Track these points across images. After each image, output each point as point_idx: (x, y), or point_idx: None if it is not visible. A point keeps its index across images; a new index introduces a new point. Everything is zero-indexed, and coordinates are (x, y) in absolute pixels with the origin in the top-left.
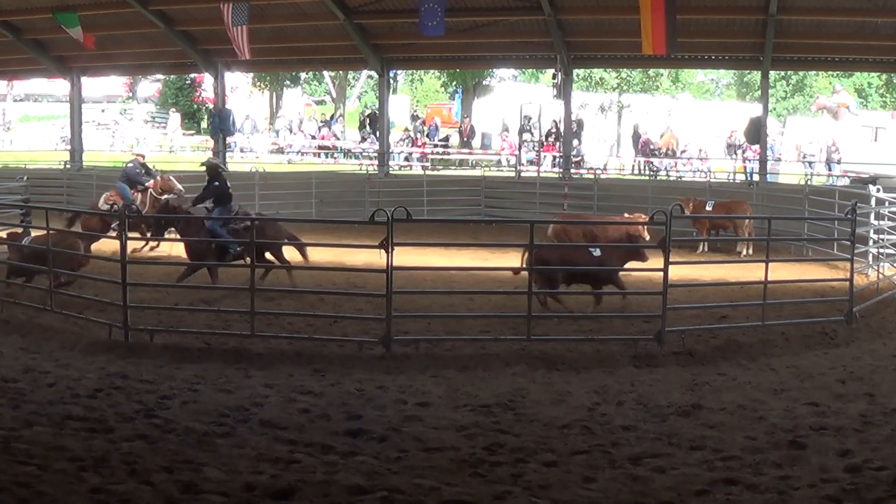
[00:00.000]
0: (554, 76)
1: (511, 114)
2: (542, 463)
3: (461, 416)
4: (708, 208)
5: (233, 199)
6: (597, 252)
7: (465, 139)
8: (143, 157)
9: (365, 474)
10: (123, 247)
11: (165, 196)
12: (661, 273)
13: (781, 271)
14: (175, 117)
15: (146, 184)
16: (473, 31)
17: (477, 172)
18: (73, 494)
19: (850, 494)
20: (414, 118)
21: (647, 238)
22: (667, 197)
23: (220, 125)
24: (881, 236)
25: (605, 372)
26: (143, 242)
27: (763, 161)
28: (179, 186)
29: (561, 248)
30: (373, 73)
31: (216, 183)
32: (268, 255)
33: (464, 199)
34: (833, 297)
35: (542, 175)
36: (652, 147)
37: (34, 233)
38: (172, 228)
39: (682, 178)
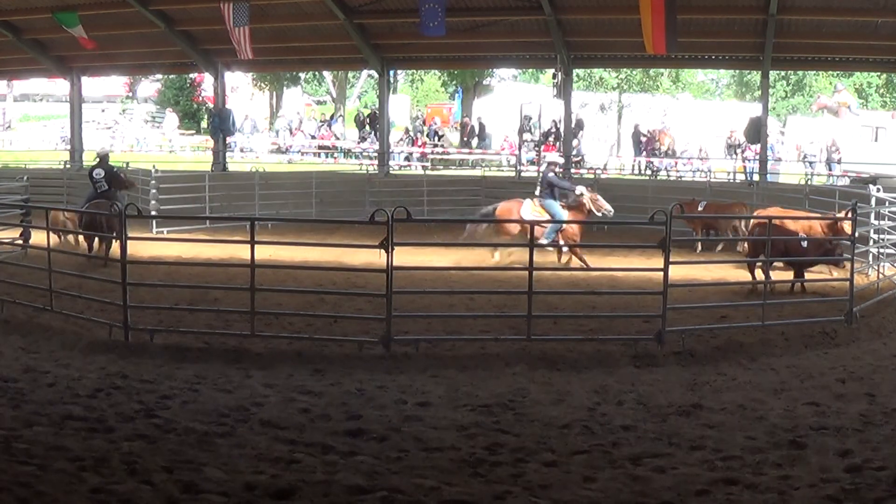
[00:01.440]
0: (554, 76)
1: (511, 113)
2: (542, 463)
3: (461, 416)
4: (700, 208)
5: (94, 185)
6: (804, 243)
7: (465, 139)
8: (557, 164)
9: (365, 474)
10: (123, 247)
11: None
12: (661, 273)
13: (781, 271)
14: (172, 117)
15: (579, 196)
16: (473, 31)
17: (477, 172)
18: (73, 494)
19: (850, 494)
20: (416, 118)
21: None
22: (667, 197)
23: (220, 125)
24: (881, 236)
25: (605, 372)
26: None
27: (763, 161)
28: (609, 206)
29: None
30: (373, 72)
31: None
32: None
33: (464, 199)
34: (833, 297)
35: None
36: (654, 146)
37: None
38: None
39: (682, 178)
